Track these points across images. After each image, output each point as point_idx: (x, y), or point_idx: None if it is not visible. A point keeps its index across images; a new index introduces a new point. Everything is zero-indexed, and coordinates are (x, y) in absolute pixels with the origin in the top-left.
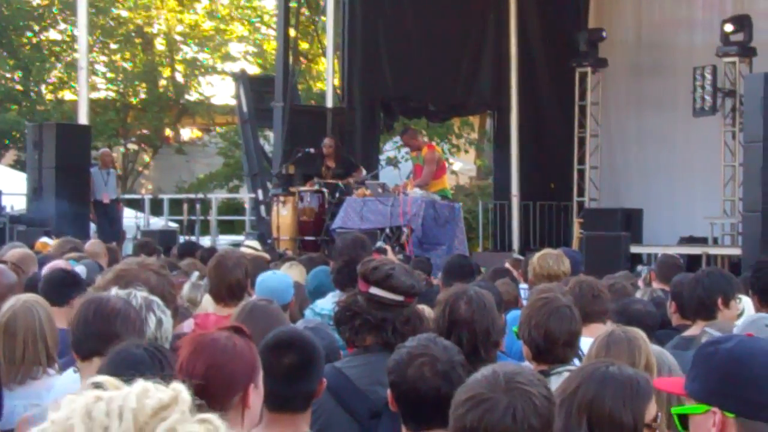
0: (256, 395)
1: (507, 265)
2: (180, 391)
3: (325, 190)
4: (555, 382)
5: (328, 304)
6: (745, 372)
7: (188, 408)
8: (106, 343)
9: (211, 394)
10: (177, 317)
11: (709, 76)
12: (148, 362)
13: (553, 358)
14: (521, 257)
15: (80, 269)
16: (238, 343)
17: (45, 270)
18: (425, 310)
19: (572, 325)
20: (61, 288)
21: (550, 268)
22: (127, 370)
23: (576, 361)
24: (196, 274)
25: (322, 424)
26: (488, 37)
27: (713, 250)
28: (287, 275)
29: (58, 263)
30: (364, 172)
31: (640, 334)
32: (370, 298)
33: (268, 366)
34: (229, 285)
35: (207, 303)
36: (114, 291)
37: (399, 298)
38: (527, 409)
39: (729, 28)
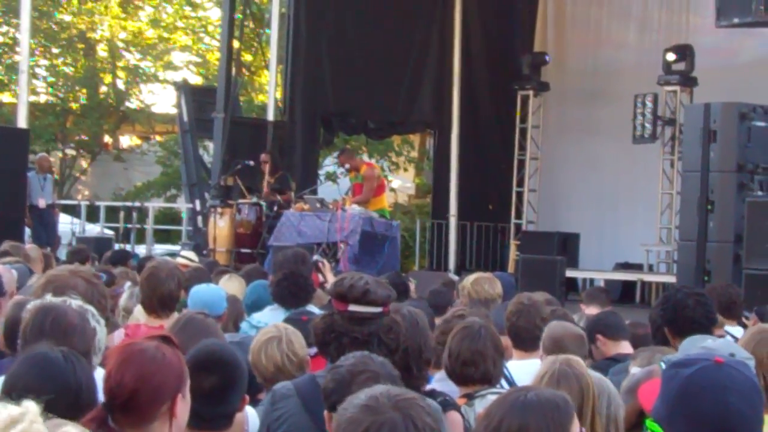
0: (183, 405)
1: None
2: (28, 406)
3: (263, 203)
4: (479, 405)
5: (265, 317)
6: (692, 405)
7: (36, 419)
8: None
9: (140, 403)
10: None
11: (649, 104)
12: (62, 364)
13: (462, 379)
14: (456, 277)
15: (11, 274)
16: (167, 352)
17: None
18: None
19: (475, 344)
20: None
21: (486, 292)
22: (41, 370)
23: (504, 384)
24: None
25: (287, 428)
26: (431, 56)
27: (648, 277)
28: (220, 288)
29: None
30: (291, 195)
31: (581, 363)
32: (351, 315)
33: (190, 386)
34: (161, 296)
35: (138, 313)
36: (48, 298)
37: (378, 310)
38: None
39: (671, 57)
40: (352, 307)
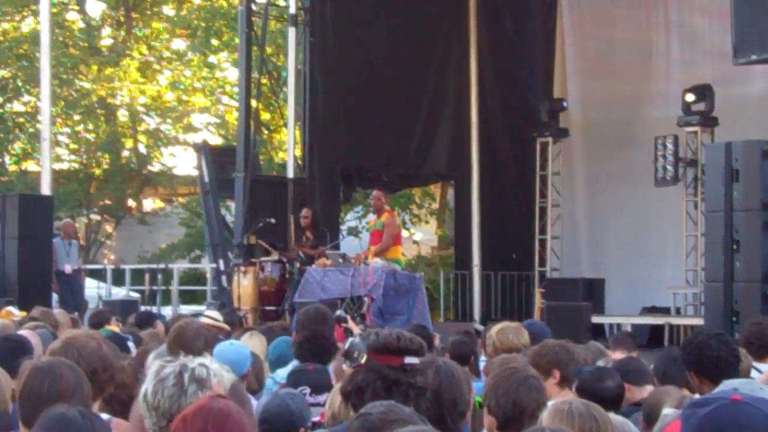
0: None
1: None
2: None
3: (285, 260)
4: None
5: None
6: None
7: None
8: None
9: None
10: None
11: (670, 146)
12: (81, 423)
13: (519, 428)
14: (482, 327)
15: (36, 338)
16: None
17: None
18: None
19: (540, 396)
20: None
21: (510, 341)
22: (61, 430)
23: None
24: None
25: None
26: (447, 106)
27: (676, 321)
28: (244, 346)
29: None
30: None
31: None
32: (410, 368)
33: None
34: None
35: None
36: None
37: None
38: None
39: (690, 97)
40: (409, 360)
